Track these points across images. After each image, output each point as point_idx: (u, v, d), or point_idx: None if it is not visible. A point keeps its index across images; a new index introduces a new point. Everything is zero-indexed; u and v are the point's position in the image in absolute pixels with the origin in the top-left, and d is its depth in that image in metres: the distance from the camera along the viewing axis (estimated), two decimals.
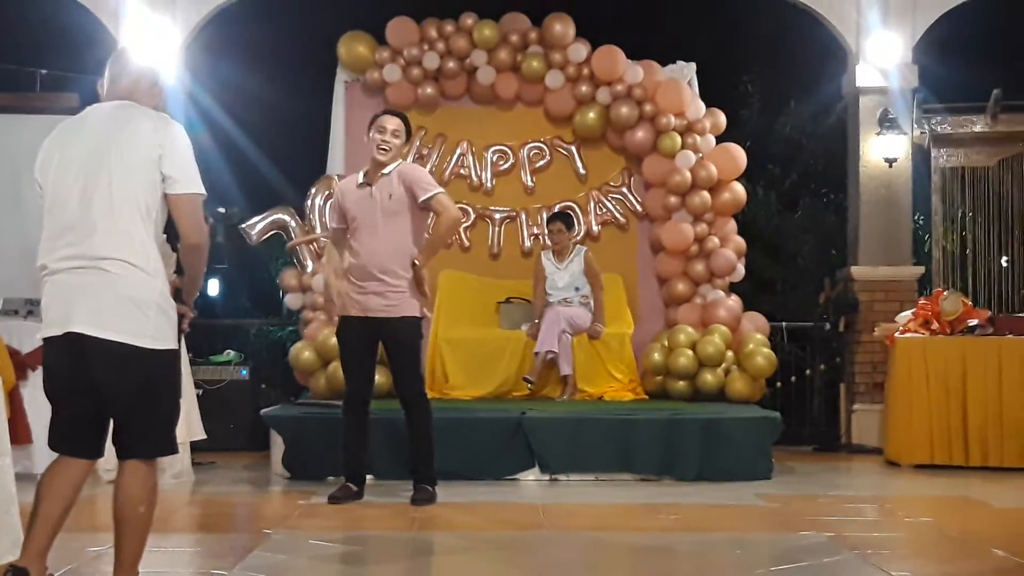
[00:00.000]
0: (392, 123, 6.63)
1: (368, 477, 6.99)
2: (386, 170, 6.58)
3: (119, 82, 4.14)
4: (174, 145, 3.97)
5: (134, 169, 3.89)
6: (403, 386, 6.72)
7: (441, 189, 6.67)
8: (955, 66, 10.71)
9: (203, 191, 4.00)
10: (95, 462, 4.04)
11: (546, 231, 9.54)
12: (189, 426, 7.51)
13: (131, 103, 4.08)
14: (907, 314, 8.91)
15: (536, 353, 8.85)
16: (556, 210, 9.67)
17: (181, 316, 4.06)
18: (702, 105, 9.71)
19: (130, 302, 3.83)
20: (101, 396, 3.86)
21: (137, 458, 3.91)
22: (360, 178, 6.68)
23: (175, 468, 7.47)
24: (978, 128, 10.00)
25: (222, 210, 6.50)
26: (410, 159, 9.78)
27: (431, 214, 6.63)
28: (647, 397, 9.17)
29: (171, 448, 4.06)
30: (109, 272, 3.82)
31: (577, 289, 9.17)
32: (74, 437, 3.94)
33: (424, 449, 6.73)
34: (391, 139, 6.58)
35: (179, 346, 4.04)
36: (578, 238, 9.69)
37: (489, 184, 9.93)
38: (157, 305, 3.88)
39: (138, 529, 3.91)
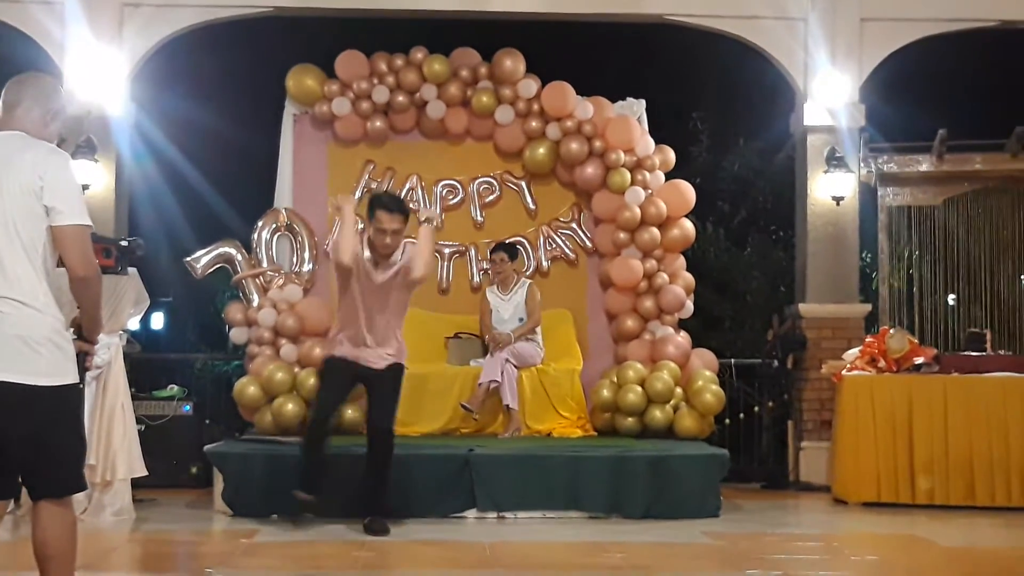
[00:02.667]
0: (394, 224, 6.82)
1: (309, 516, 7.03)
2: (394, 258, 6.92)
3: (12, 111, 4.02)
4: (56, 175, 3.83)
5: (16, 202, 3.78)
6: (376, 419, 6.93)
7: (424, 271, 6.96)
8: (901, 106, 10.83)
9: (88, 222, 3.87)
10: (9, 501, 3.97)
11: (488, 261, 9.53)
12: (130, 462, 7.38)
13: (19, 133, 3.95)
14: (854, 352, 8.94)
15: (480, 384, 8.82)
16: (500, 242, 9.64)
17: (85, 353, 4.00)
18: (651, 142, 9.74)
19: (18, 340, 3.74)
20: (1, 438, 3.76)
21: (47, 499, 3.83)
22: (366, 251, 6.91)
23: (115, 505, 7.32)
24: (924, 167, 10.09)
25: (124, 242, 6.37)
26: (359, 193, 9.75)
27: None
28: (596, 434, 9.12)
29: (79, 485, 3.95)
30: None
31: (521, 320, 9.16)
32: None
33: (381, 482, 6.88)
34: (391, 240, 6.83)
35: (80, 380, 3.94)
36: (527, 273, 9.68)
37: (438, 219, 9.89)
38: (49, 340, 3.79)
39: (62, 567, 3.83)
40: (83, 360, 3.99)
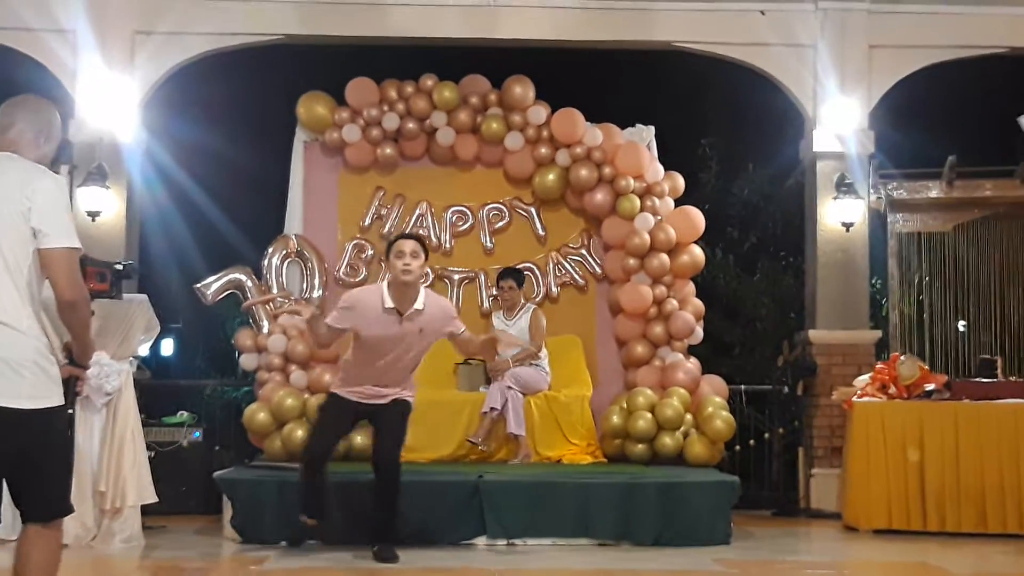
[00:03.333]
0: (409, 246, 6.69)
1: (314, 542, 7.07)
2: (419, 304, 6.68)
3: (5, 132, 3.97)
4: (45, 197, 3.78)
5: (3, 223, 3.75)
6: (384, 450, 6.83)
7: (462, 327, 6.97)
8: (911, 132, 10.84)
9: (77, 244, 3.80)
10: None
11: (496, 288, 9.53)
12: (140, 489, 7.38)
13: (10, 155, 3.91)
14: (864, 378, 8.92)
15: (482, 412, 8.82)
16: (507, 268, 9.64)
17: (76, 379, 3.96)
18: (661, 168, 9.76)
19: (1, 363, 3.71)
20: None
21: (33, 522, 3.83)
22: (388, 302, 6.67)
23: (125, 532, 7.31)
24: (934, 194, 10.09)
25: (119, 266, 6.35)
26: (368, 220, 9.78)
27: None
28: (606, 460, 9.10)
29: (64, 509, 3.93)
30: None
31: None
32: None
33: (390, 511, 6.82)
34: (411, 261, 6.63)
35: (67, 403, 3.91)
36: (537, 299, 9.69)
37: (448, 245, 9.90)
38: (33, 363, 3.75)
39: None
40: (74, 385, 3.96)
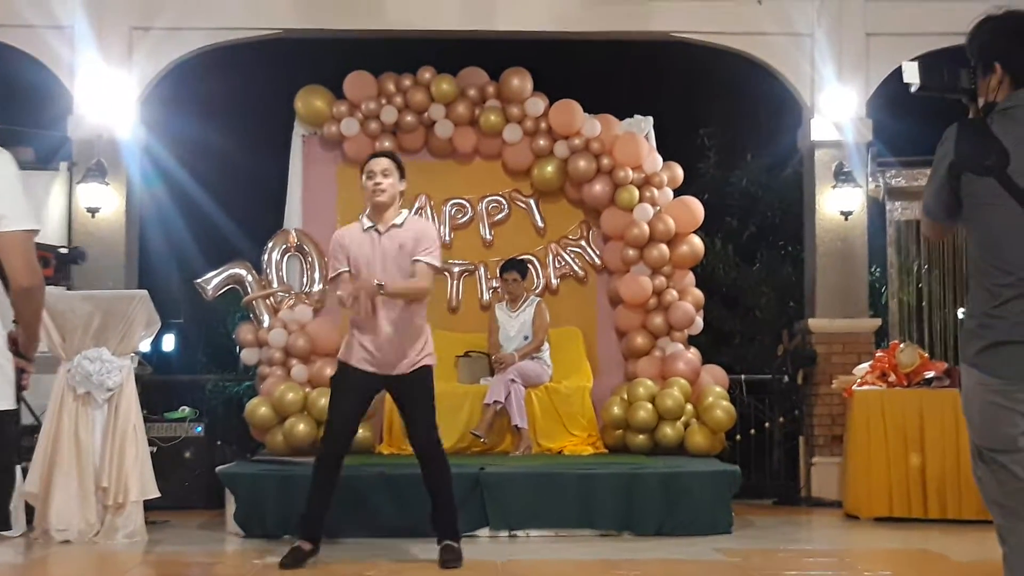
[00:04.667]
0: (380, 164, 6.37)
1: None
2: (398, 220, 6.36)
3: None
4: None
5: None
6: (419, 436, 6.41)
7: (435, 261, 6.38)
8: (908, 120, 10.78)
9: (33, 226, 3.53)
10: None
11: (500, 280, 9.54)
12: (142, 484, 7.39)
13: None
14: (864, 366, 8.93)
15: (485, 405, 8.82)
16: (511, 259, 9.64)
17: (21, 371, 3.60)
18: (659, 158, 9.76)
19: None
20: None
21: None
22: (365, 223, 6.41)
23: (127, 528, 7.31)
24: None
25: (64, 250, 6.19)
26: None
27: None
28: (607, 451, 9.12)
29: (3, 524, 3.65)
30: None
31: (526, 338, 9.19)
32: None
33: (446, 502, 6.42)
34: (382, 179, 6.31)
35: (17, 405, 3.60)
36: (537, 291, 9.70)
37: (447, 237, 9.91)
38: None
39: None
40: (20, 378, 3.59)
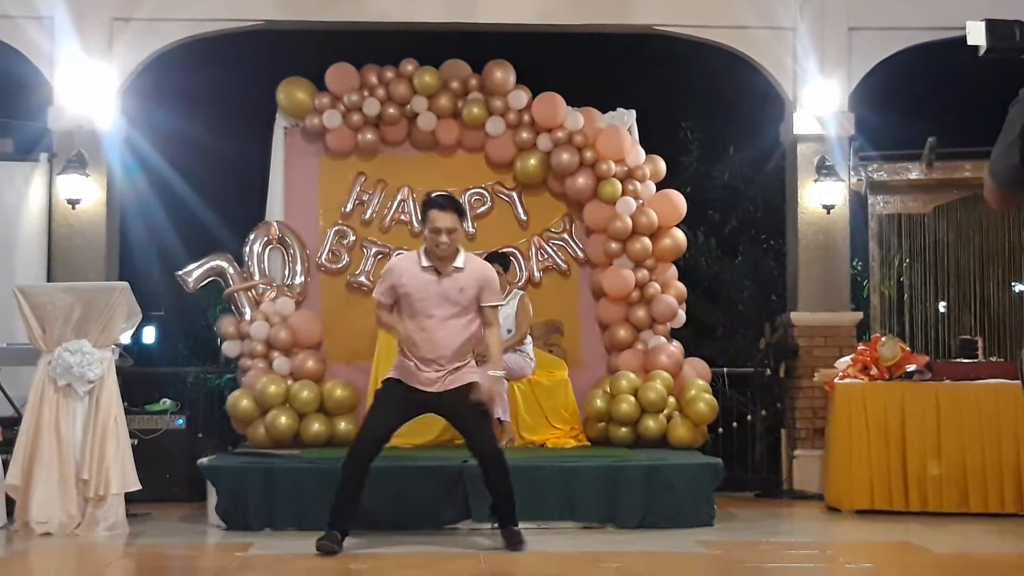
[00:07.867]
0: (446, 221, 6.44)
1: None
2: (459, 263, 6.52)
3: None
4: None
5: None
6: (480, 446, 6.64)
7: (500, 303, 6.76)
8: (891, 114, 10.85)
9: None
10: None
11: None
12: (123, 477, 7.36)
13: None
14: (846, 360, 8.96)
15: None
16: (493, 252, 9.63)
17: None
18: (642, 152, 9.76)
19: None
20: None
21: None
22: (423, 261, 6.53)
23: (108, 520, 7.28)
24: (914, 175, 10.10)
25: None
26: (350, 206, 9.76)
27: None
28: (589, 444, 9.12)
29: None
30: None
31: (509, 331, 9.15)
32: None
33: (507, 498, 6.69)
34: (447, 238, 6.44)
35: None
36: (520, 284, 9.69)
37: None
38: None
39: None
40: None
